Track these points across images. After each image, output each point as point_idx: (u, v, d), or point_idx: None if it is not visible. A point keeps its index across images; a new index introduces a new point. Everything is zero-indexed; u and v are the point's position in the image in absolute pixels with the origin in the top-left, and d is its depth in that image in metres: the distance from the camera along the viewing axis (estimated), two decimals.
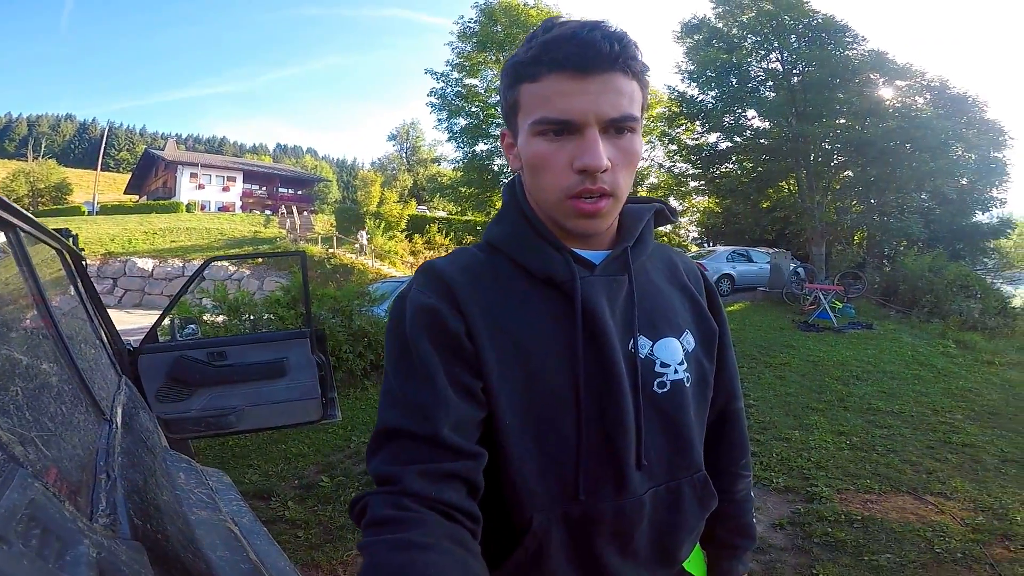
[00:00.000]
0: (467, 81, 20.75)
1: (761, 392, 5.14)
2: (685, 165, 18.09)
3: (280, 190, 41.57)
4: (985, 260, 18.45)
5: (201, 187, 37.31)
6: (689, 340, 0.71)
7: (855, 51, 14.78)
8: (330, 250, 20.78)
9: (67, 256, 1.78)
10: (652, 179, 21.39)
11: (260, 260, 19.39)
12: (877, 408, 4.61)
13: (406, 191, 34.81)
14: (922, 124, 14.05)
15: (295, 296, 6.12)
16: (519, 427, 0.62)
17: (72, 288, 1.73)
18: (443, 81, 20.88)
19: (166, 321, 3.18)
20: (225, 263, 18.97)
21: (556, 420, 0.63)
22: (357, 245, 21.62)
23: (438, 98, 21.02)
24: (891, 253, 14.85)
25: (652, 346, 0.68)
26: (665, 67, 26.00)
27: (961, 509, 2.81)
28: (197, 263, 18.04)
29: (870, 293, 12.63)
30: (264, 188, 40.99)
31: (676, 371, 0.68)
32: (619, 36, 0.58)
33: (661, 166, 20.65)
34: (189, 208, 31.15)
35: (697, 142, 18.01)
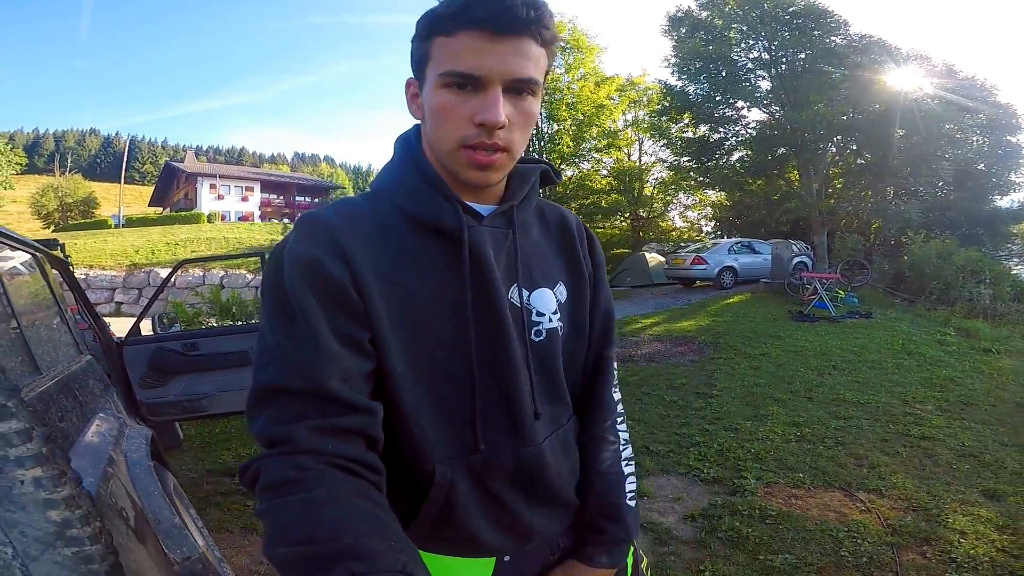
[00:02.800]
0: None
1: (728, 383, 5.05)
2: (684, 159, 17.89)
3: (297, 198, 42.39)
4: (1009, 246, 17.85)
5: (220, 197, 38.31)
6: (562, 291, 0.74)
7: (840, 36, 14.46)
8: None
9: (43, 260, 2.04)
10: (656, 173, 21.21)
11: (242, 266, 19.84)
12: (843, 399, 4.48)
13: None
14: (914, 109, 13.62)
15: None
16: (411, 378, 0.62)
17: (44, 284, 1.98)
18: None
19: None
20: (243, 271, 19.59)
21: (449, 369, 0.64)
22: None
23: None
24: (898, 240, 14.41)
25: (528, 296, 0.70)
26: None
27: (891, 508, 2.70)
28: (217, 272, 18.59)
29: (879, 281, 12.26)
30: (281, 197, 41.87)
31: (551, 320, 0.71)
32: (535, 2, 0.59)
33: (663, 161, 20.44)
34: (210, 219, 32.05)
35: (688, 135, 17.80)
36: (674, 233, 22.42)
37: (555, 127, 19.26)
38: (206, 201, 37.06)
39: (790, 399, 4.54)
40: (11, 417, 0.45)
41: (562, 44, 19.51)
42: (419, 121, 0.69)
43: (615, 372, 0.82)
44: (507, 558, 0.70)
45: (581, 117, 18.89)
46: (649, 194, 21.45)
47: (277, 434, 0.54)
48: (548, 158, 19.87)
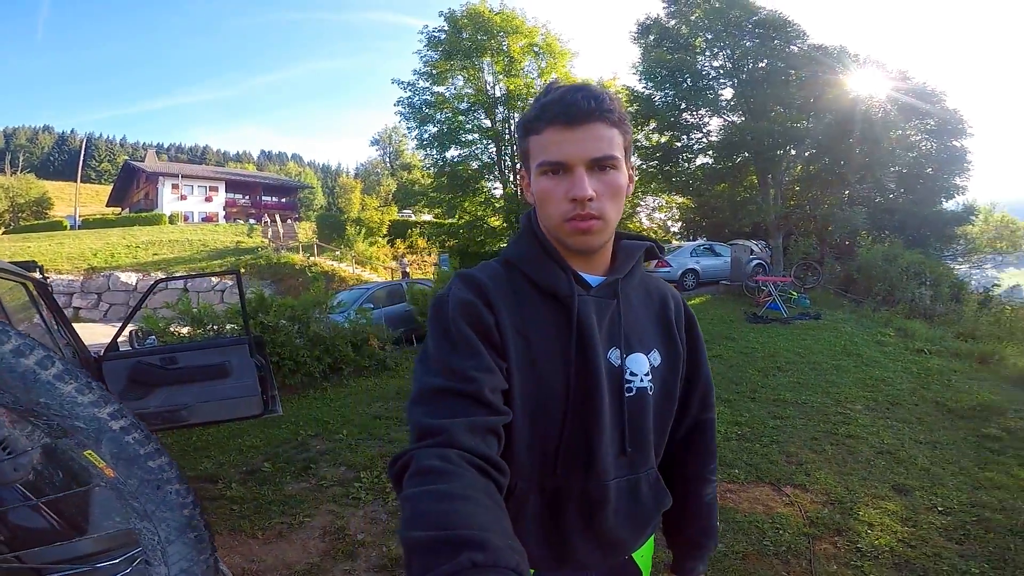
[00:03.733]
0: (435, 89, 21.05)
1: None
2: (649, 164, 18.42)
3: (263, 198, 41.62)
4: (954, 246, 18.89)
5: (183, 198, 37.34)
6: (656, 357, 0.87)
7: (797, 46, 15.11)
8: (311, 258, 20.99)
9: (31, 287, 2.08)
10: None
11: (243, 269, 19.60)
12: (784, 399, 4.87)
13: (390, 196, 34.99)
14: (867, 116, 14.39)
15: (256, 307, 6.56)
16: (520, 408, 0.76)
17: (35, 310, 2.01)
18: (411, 90, 21.15)
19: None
20: (212, 278, 19.24)
21: (548, 408, 0.78)
22: (337, 252, 21.84)
23: (407, 107, 21.29)
24: (850, 243, 15.20)
25: (625, 358, 0.83)
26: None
27: (812, 502, 3.02)
28: (182, 275, 18.31)
29: (830, 283, 12.95)
30: (247, 197, 41.03)
31: (641, 380, 0.84)
32: (596, 95, 0.75)
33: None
34: (172, 220, 31.23)
35: (653, 141, 18.35)
36: (643, 234, 23.01)
37: None
38: (168, 201, 36.08)
39: (736, 399, 4.90)
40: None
41: (535, 49, 19.76)
42: (533, 204, 0.84)
43: (714, 427, 0.98)
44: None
45: None
46: None
47: (434, 425, 0.65)
48: (518, 161, 20.34)
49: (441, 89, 21.01)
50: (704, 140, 17.30)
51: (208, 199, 38.84)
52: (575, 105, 0.74)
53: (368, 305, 9.62)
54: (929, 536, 2.64)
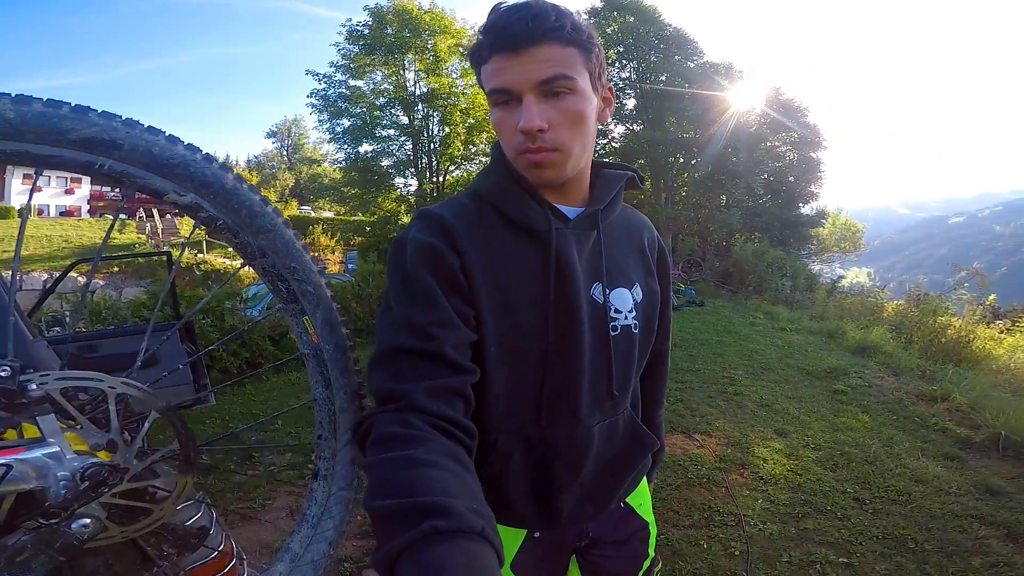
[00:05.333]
0: (352, 83, 20.48)
1: None
2: None
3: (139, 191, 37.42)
4: (809, 246, 21.83)
5: (39, 189, 32.59)
6: (638, 292, 0.81)
7: (695, 63, 16.85)
8: (199, 255, 19.42)
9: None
10: None
11: (116, 268, 17.69)
12: (682, 368, 5.64)
13: (287, 191, 33.13)
14: (743, 128, 16.42)
15: (164, 300, 6.17)
16: (497, 358, 0.70)
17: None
18: (326, 82, 20.40)
19: None
20: (74, 274, 17.11)
21: (527, 353, 0.72)
22: (230, 248, 20.36)
23: (320, 99, 20.51)
24: (728, 242, 17.16)
25: (608, 294, 0.77)
26: None
27: (717, 444, 3.66)
28: (38, 276, 16.10)
29: (711, 276, 14.60)
30: (118, 189, 36.63)
31: (626, 317, 0.78)
32: (537, 11, 0.65)
33: None
34: (21, 213, 27.10)
35: None
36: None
37: (447, 130, 19.55)
38: (17, 193, 31.34)
39: None
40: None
41: (460, 49, 19.81)
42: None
43: (668, 355, 1.00)
44: (537, 534, 0.80)
45: (472, 122, 19.44)
46: None
47: (395, 391, 0.60)
48: (440, 161, 20.29)
49: (360, 83, 20.46)
50: (609, 146, 18.60)
51: (69, 191, 34.24)
52: (512, 27, 0.65)
53: None
54: (809, 467, 3.33)
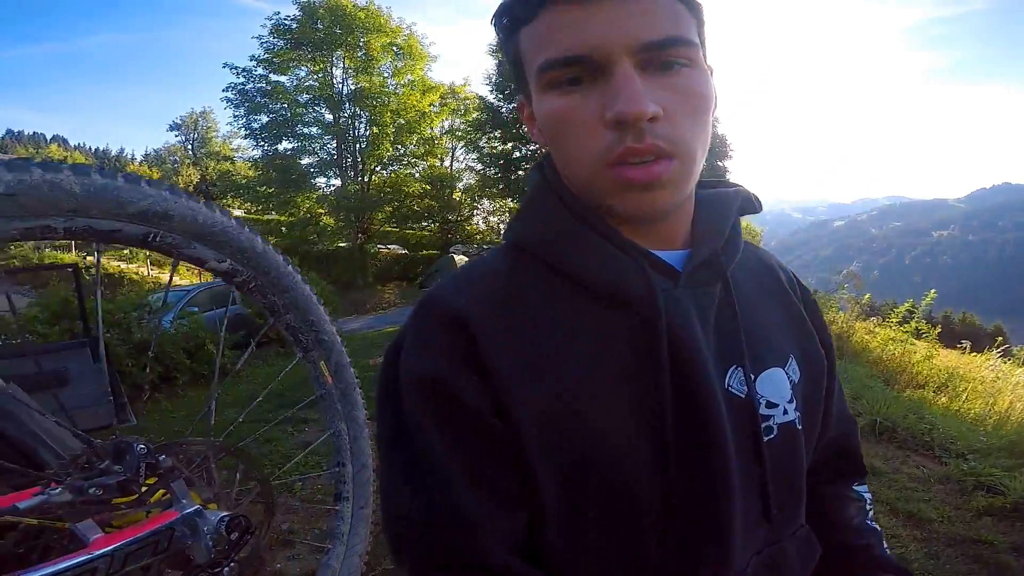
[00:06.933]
0: (274, 78, 19.71)
1: None
2: (491, 170, 19.63)
3: None
4: None
5: None
6: (794, 369, 0.54)
7: None
8: (88, 257, 17.60)
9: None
10: (465, 180, 22.77)
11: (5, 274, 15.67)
12: None
13: (191, 187, 30.83)
14: None
15: (55, 311, 5.67)
16: (569, 514, 0.45)
17: None
18: (245, 76, 19.37)
19: None
20: None
21: (628, 500, 0.45)
22: (126, 250, 18.72)
23: (237, 93, 19.42)
24: None
25: (754, 381, 0.49)
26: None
27: None
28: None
29: None
30: None
31: (785, 411, 0.51)
32: None
33: (472, 169, 22.13)
34: None
35: (495, 150, 19.69)
36: (479, 236, 24.19)
37: (375, 130, 19.17)
38: None
39: None
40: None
41: (394, 48, 19.43)
42: (545, 146, 0.50)
43: (857, 430, 0.66)
44: None
45: (403, 123, 19.18)
46: (458, 199, 22.79)
47: None
48: (366, 162, 19.78)
49: (282, 79, 19.64)
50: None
51: None
52: None
53: (193, 308, 8.77)
54: None
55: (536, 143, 0.57)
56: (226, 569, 0.59)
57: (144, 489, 0.56)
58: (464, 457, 0.44)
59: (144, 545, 0.52)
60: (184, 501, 0.58)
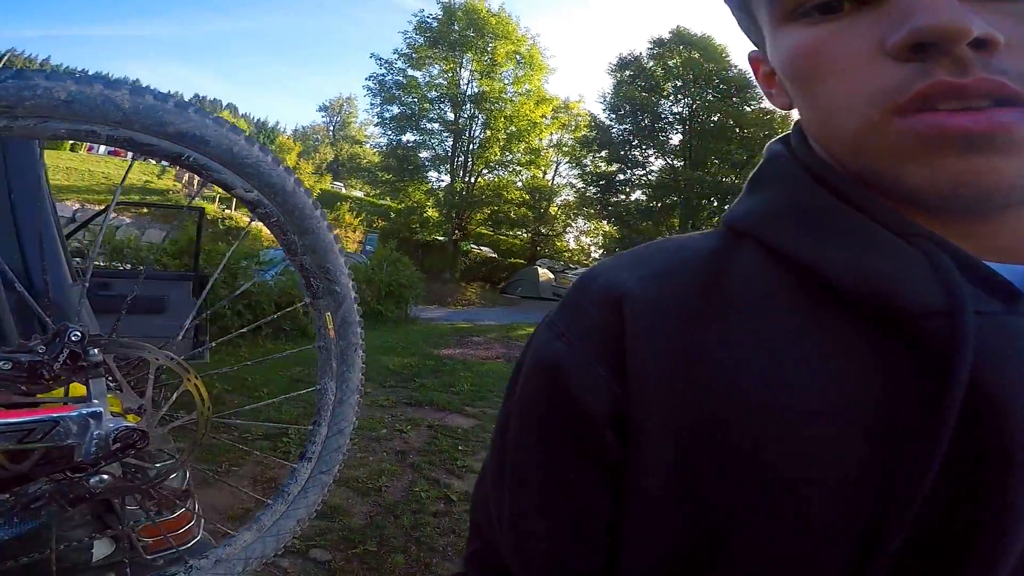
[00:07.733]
0: (410, 72, 20.93)
1: None
2: (591, 189, 19.46)
3: None
4: None
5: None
6: None
7: (752, 107, 16.63)
8: (227, 210, 19.82)
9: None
10: (564, 195, 22.81)
11: (145, 210, 18.12)
12: None
13: (324, 165, 33.68)
14: None
15: (181, 247, 6.36)
16: None
17: None
18: (386, 67, 20.90)
19: None
20: (113, 213, 17.47)
21: None
22: None
23: (377, 83, 20.98)
24: None
25: None
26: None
27: None
28: (71, 205, 16.57)
29: None
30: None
31: None
32: None
33: (572, 185, 22.10)
34: (73, 148, 28.02)
35: (599, 169, 19.42)
36: (567, 254, 24.05)
37: (488, 133, 19.76)
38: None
39: None
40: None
41: (517, 57, 20.16)
42: (792, 111, 0.36)
43: None
44: None
45: (514, 130, 19.68)
46: (554, 213, 22.87)
47: None
48: (475, 163, 20.55)
49: (417, 74, 20.86)
50: (645, 178, 18.61)
51: None
52: None
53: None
54: None
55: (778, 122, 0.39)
56: (94, 479, 0.58)
57: (53, 378, 0.56)
58: (556, 477, 0.35)
59: (12, 429, 0.52)
60: (95, 401, 0.57)
